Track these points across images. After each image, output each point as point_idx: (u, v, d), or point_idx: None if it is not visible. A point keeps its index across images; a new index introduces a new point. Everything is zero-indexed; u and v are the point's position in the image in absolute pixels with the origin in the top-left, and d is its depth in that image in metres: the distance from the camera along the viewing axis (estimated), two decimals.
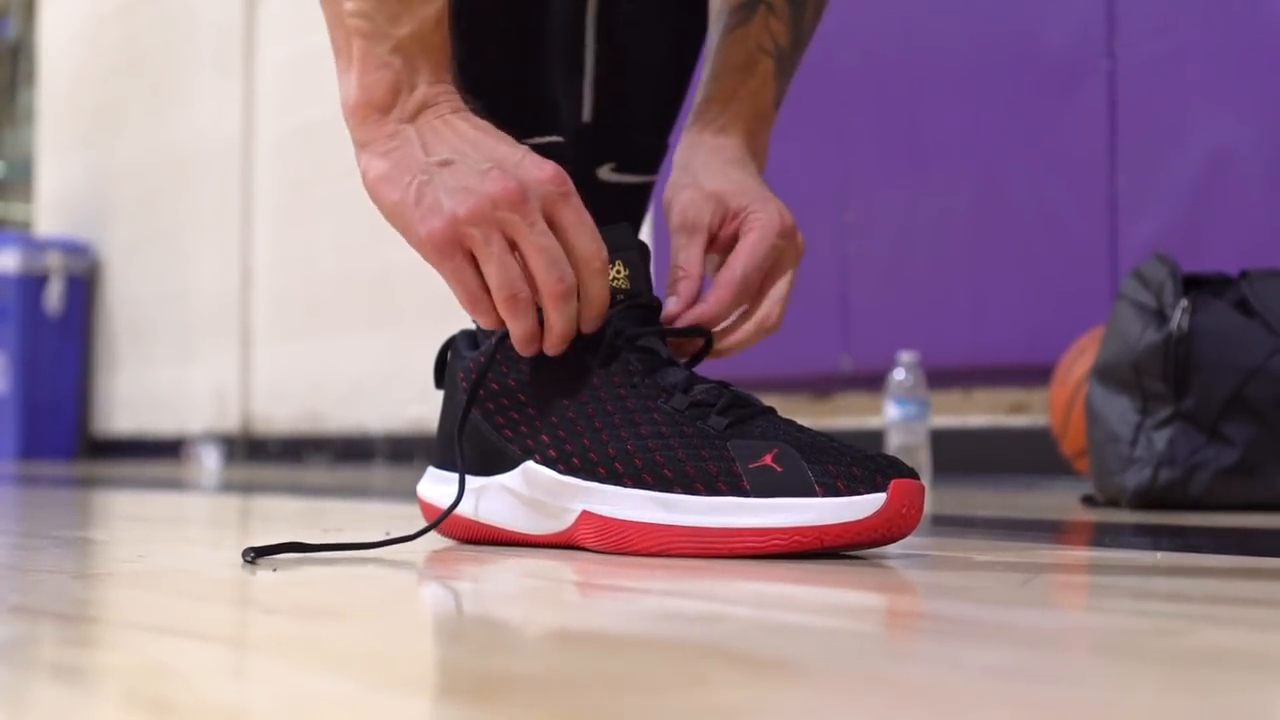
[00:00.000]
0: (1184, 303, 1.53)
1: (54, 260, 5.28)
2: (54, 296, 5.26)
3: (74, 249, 5.38)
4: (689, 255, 0.99)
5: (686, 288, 0.99)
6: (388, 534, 1.06)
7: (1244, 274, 1.58)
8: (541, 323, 0.90)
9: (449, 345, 1.03)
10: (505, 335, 0.95)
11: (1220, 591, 0.73)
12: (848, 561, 0.86)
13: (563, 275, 0.87)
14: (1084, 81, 2.35)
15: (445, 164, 0.87)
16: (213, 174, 4.86)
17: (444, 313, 1.15)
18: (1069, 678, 0.49)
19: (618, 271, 0.94)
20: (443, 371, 1.03)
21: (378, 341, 4.08)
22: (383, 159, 0.88)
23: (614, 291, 0.93)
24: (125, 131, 5.39)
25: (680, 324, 0.97)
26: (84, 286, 5.38)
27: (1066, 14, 2.40)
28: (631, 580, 0.80)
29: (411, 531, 0.96)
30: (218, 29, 4.86)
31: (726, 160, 1.02)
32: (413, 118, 0.88)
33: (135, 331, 5.28)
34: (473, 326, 1.04)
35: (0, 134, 8.01)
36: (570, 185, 0.88)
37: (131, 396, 5.29)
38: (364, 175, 0.89)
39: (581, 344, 0.93)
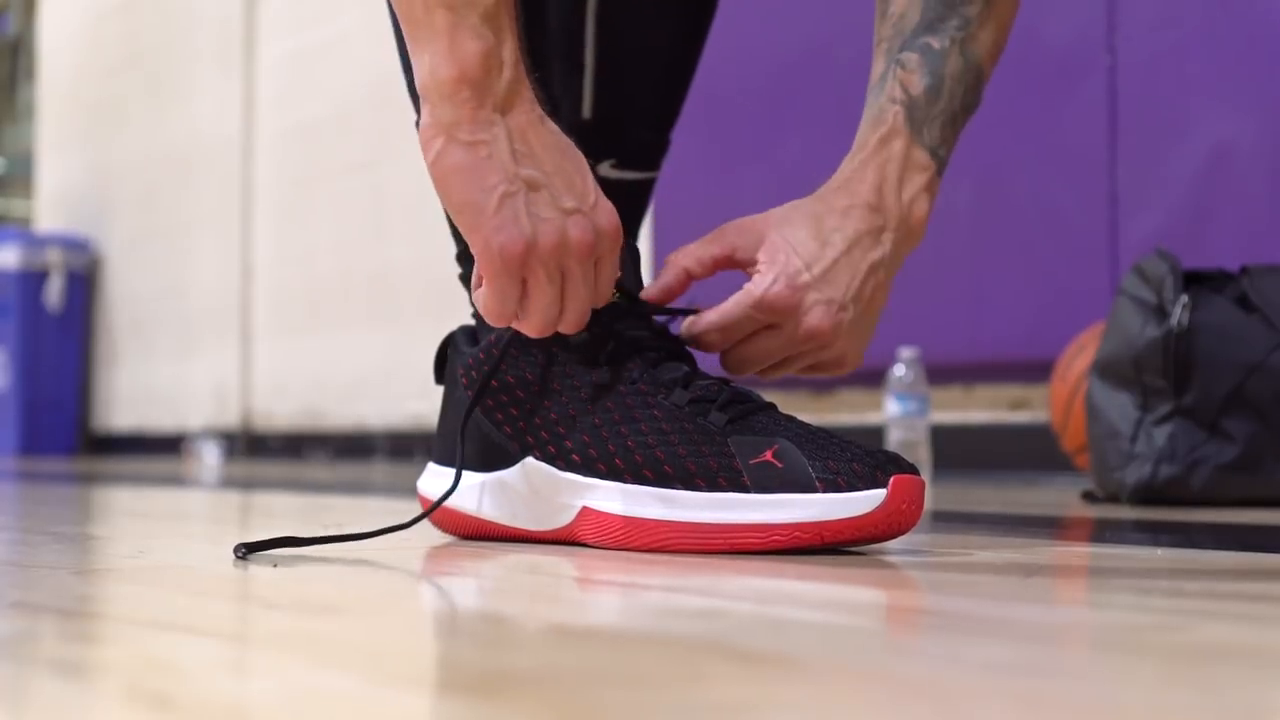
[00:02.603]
0: (1184, 298, 1.53)
1: (54, 256, 5.28)
2: (54, 292, 5.26)
3: (74, 245, 5.38)
4: (691, 250, 0.98)
5: (666, 275, 0.97)
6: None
7: (1244, 269, 1.58)
8: None
9: (449, 341, 1.03)
10: (512, 334, 0.95)
11: (1220, 587, 0.73)
12: (848, 557, 0.86)
13: (583, 320, 0.89)
14: (1084, 77, 2.35)
15: (532, 185, 0.85)
16: (213, 170, 4.86)
17: (444, 309, 1.15)
18: (1069, 673, 0.49)
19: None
20: (443, 368, 1.03)
21: (378, 337, 4.08)
22: (467, 150, 0.85)
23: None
24: (126, 127, 5.39)
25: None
26: (84, 282, 5.38)
27: (1067, 10, 2.40)
28: (632, 576, 0.80)
29: (410, 528, 0.96)
30: (218, 25, 4.85)
31: (807, 211, 0.97)
32: (505, 108, 0.85)
33: (135, 327, 5.28)
34: (472, 323, 1.04)
35: (0, 130, 8.00)
36: (622, 237, 0.89)
37: (132, 392, 5.29)
38: (437, 158, 0.86)
39: (579, 342, 0.93)
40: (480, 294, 0.88)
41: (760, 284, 0.94)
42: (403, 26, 0.88)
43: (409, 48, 0.88)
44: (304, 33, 4.41)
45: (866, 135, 1.00)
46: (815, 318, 0.94)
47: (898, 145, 0.99)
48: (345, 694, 0.46)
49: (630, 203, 1.07)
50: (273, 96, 4.60)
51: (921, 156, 1.00)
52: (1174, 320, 1.52)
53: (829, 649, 0.54)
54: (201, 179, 4.93)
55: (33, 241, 5.39)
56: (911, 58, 1.01)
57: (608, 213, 0.87)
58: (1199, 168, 2.20)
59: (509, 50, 0.86)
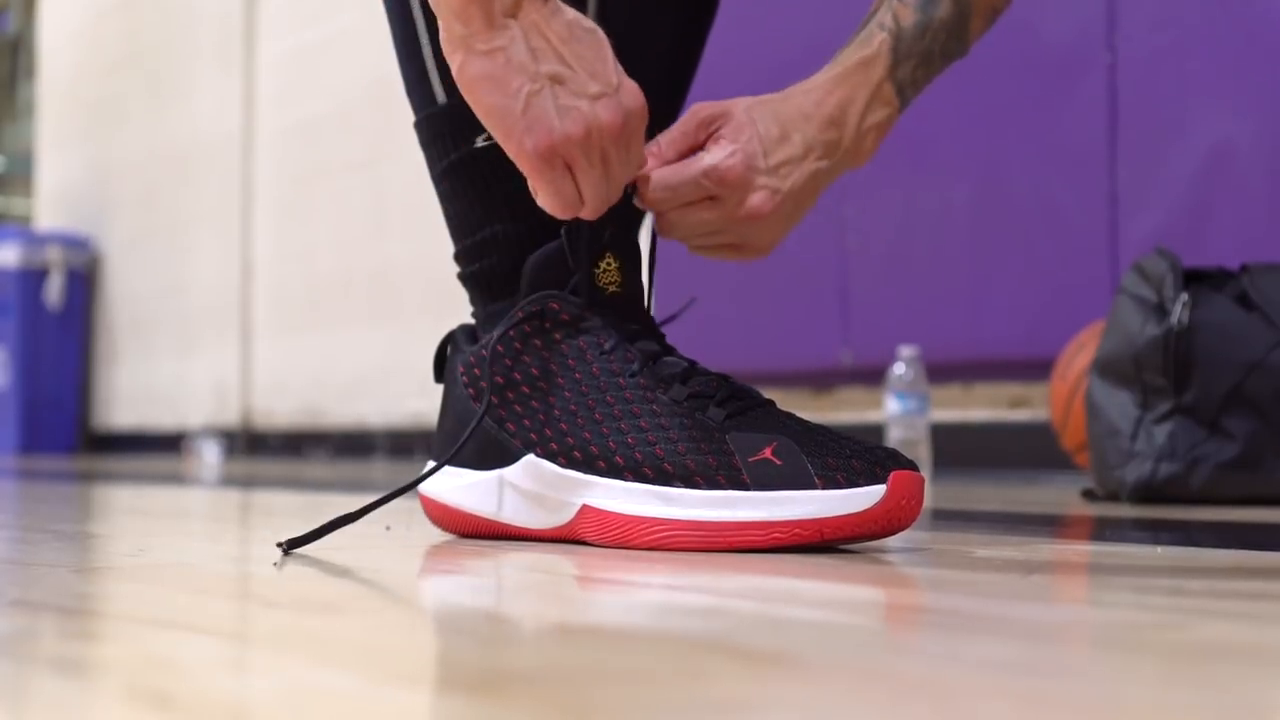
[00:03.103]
0: (1184, 297, 1.53)
1: (54, 255, 5.28)
2: (54, 291, 5.26)
3: (74, 243, 5.38)
4: (668, 133, 0.99)
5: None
6: (388, 528, 1.06)
7: (1244, 268, 1.58)
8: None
9: (449, 340, 1.03)
10: (505, 331, 0.95)
11: (1220, 586, 0.73)
12: (848, 555, 0.86)
13: (615, 197, 0.91)
14: (1084, 75, 2.35)
15: (556, 79, 0.87)
16: (213, 168, 4.86)
17: (444, 307, 1.15)
18: (1069, 671, 0.49)
19: (609, 264, 0.94)
20: (442, 366, 1.03)
21: (378, 336, 4.08)
22: (485, 59, 0.86)
23: (603, 279, 0.94)
24: (125, 126, 5.39)
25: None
26: (84, 281, 5.38)
27: (1067, 8, 2.40)
28: (632, 574, 0.80)
29: (410, 525, 0.96)
30: (218, 23, 4.85)
31: (776, 105, 1.00)
32: (514, 10, 0.87)
33: (135, 326, 5.28)
34: (472, 321, 1.04)
35: (0, 128, 8.00)
36: (647, 114, 0.90)
37: (132, 391, 5.29)
38: (459, 71, 0.87)
39: (577, 339, 0.93)
40: (539, 196, 0.90)
41: (718, 154, 0.97)
42: None
43: None
44: (304, 30, 4.41)
45: (851, 52, 1.03)
46: (758, 199, 0.98)
47: (875, 73, 1.03)
48: (345, 692, 0.46)
49: (629, 200, 1.07)
50: (273, 94, 4.60)
51: (889, 92, 1.04)
52: (1174, 318, 1.52)
53: (829, 647, 0.54)
54: (201, 177, 4.93)
55: (33, 240, 5.39)
56: None
57: (632, 92, 0.89)
58: (1199, 166, 2.20)
59: None
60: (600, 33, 0.89)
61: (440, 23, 0.88)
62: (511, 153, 0.88)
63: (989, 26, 1.11)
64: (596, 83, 0.88)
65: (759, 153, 0.98)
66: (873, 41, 1.03)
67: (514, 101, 0.86)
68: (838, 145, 1.02)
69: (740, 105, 1.00)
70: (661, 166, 0.97)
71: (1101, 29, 2.33)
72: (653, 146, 0.98)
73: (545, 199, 0.90)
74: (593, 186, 0.89)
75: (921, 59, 1.05)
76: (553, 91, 0.87)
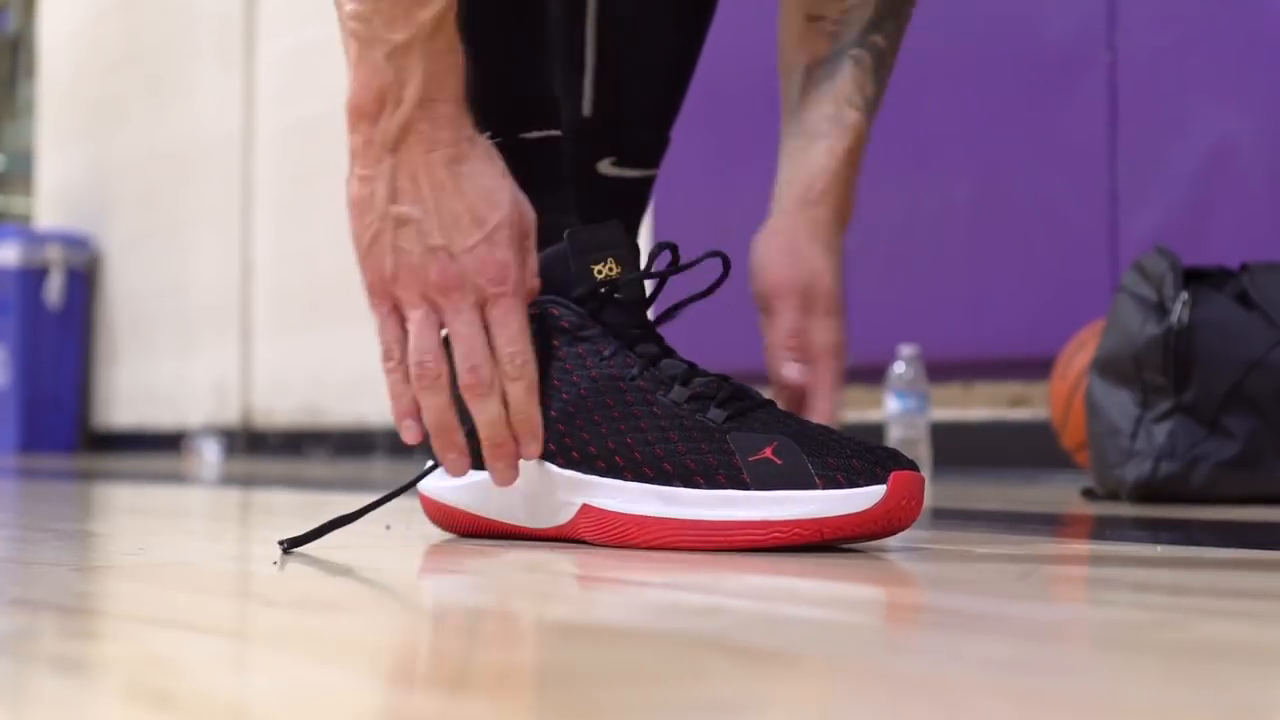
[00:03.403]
0: (1184, 295, 1.53)
1: (54, 253, 5.28)
2: (54, 290, 5.26)
3: (74, 242, 5.37)
4: (776, 329, 1.03)
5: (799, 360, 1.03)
6: (388, 527, 1.06)
7: (1244, 267, 1.58)
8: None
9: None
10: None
11: (1220, 584, 0.73)
12: (848, 554, 0.86)
13: (476, 367, 0.88)
14: (1084, 74, 2.35)
15: (402, 221, 0.87)
16: (213, 167, 4.86)
17: None
18: (1069, 670, 0.49)
19: (610, 266, 0.94)
20: None
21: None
22: (358, 184, 0.88)
23: (603, 282, 0.94)
24: (125, 125, 5.39)
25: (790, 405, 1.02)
26: (84, 280, 5.38)
27: (1067, 6, 2.40)
28: (632, 573, 0.80)
29: (410, 524, 0.96)
30: (218, 22, 4.85)
31: (824, 241, 1.05)
32: (395, 145, 0.87)
33: (135, 325, 5.28)
34: None
35: (0, 127, 8.00)
36: (510, 284, 0.87)
37: (132, 390, 5.29)
38: (346, 185, 0.90)
39: (576, 345, 0.93)
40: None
41: (840, 342, 1.04)
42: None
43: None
44: (304, 29, 4.41)
45: (835, 142, 1.05)
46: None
47: (859, 157, 1.06)
48: (345, 691, 0.46)
49: (630, 200, 1.08)
50: (273, 93, 4.60)
51: (862, 161, 1.08)
52: (1174, 317, 1.52)
53: (829, 646, 0.54)
54: (201, 176, 4.93)
55: (33, 239, 5.39)
56: (865, 56, 1.05)
57: (486, 254, 0.87)
58: (1199, 164, 2.20)
59: (412, 89, 0.86)
60: (491, 199, 0.87)
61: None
62: (363, 285, 0.90)
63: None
64: (442, 236, 0.86)
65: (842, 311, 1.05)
66: (850, 126, 1.05)
67: (364, 234, 0.88)
68: (845, 227, 1.09)
69: (814, 260, 1.03)
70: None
71: (1101, 27, 2.33)
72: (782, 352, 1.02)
73: (380, 343, 0.90)
74: (414, 340, 0.87)
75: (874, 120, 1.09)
76: (394, 233, 0.87)
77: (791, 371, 1.01)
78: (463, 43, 0.91)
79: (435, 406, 0.89)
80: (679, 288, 0.99)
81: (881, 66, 1.06)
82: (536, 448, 0.91)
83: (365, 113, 0.87)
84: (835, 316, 1.03)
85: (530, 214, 0.90)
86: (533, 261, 0.91)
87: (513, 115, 0.98)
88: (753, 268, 1.05)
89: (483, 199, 0.88)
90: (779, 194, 1.06)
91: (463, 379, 0.89)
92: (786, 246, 1.03)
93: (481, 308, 0.88)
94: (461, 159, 0.88)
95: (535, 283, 0.91)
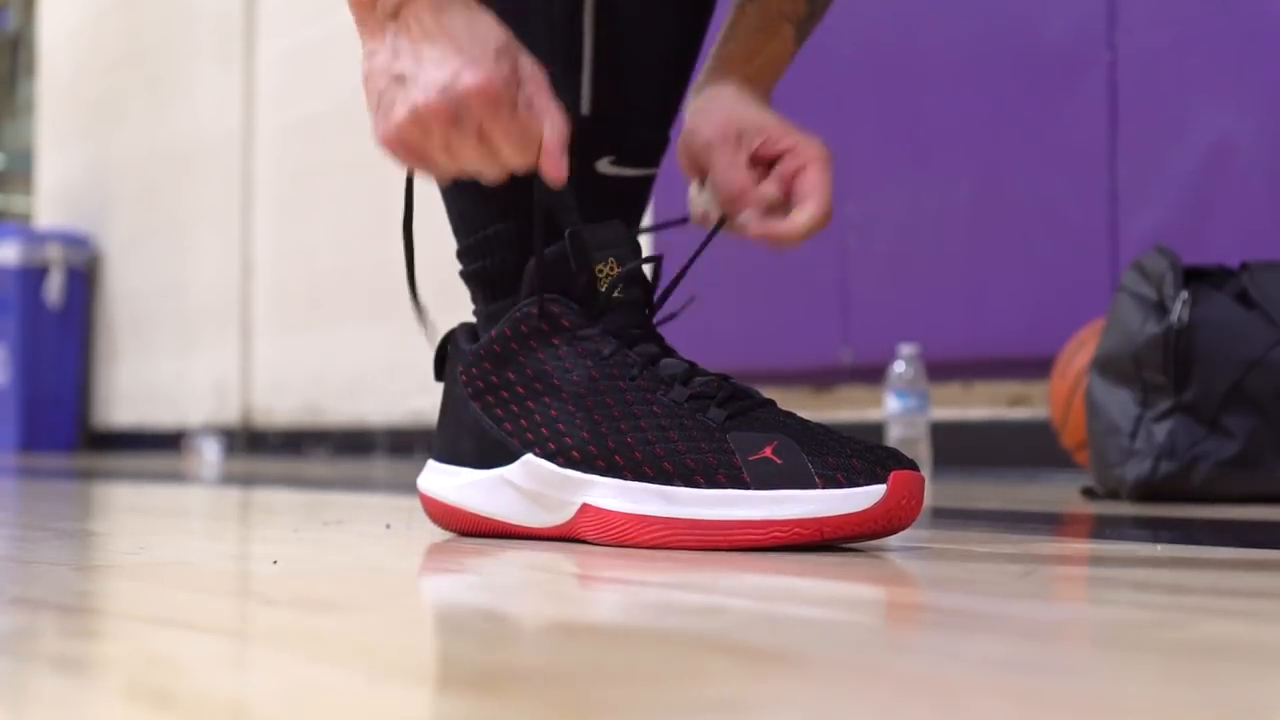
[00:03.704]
0: (1184, 295, 1.53)
1: (54, 252, 5.28)
2: (54, 289, 5.26)
3: (74, 241, 5.37)
4: (735, 166, 1.02)
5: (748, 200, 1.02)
6: (388, 526, 1.06)
7: (1244, 266, 1.58)
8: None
9: (449, 338, 1.03)
10: (504, 331, 0.95)
11: (1220, 583, 0.73)
12: (848, 553, 0.86)
13: (522, 150, 0.90)
14: (1084, 73, 2.35)
15: (400, 79, 0.90)
16: (213, 166, 4.86)
17: (444, 305, 1.15)
18: (1069, 669, 0.49)
19: (611, 266, 0.94)
20: (443, 364, 1.03)
21: (378, 334, 4.08)
22: (367, 60, 0.92)
23: (604, 280, 0.94)
24: (125, 124, 5.39)
25: (757, 233, 1.01)
26: (84, 279, 5.38)
27: (1067, 5, 2.39)
28: (632, 573, 0.80)
29: (410, 523, 0.96)
30: (218, 20, 4.85)
31: (756, 101, 1.05)
32: (395, 12, 0.90)
33: (135, 324, 5.28)
34: (473, 320, 1.04)
35: (0, 126, 8.00)
36: (499, 93, 0.88)
37: (132, 389, 5.29)
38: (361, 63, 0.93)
39: (576, 344, 0.93)
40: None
41: (821, 149, 1.02)
42: None
43: None
44: (304, 28, 4.41)
45: (758, 42, 1.09)
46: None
47: (782, 62, 1.10)
48: (344, 690, 0.46)
49: (630, 199, 1.08)
50: (273, 92, 4.60)
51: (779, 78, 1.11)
52: (1174, 316, 1.52)
53: (829, 645, 0.54)
54: (202, 175, 4.93)
55: (33, 238, 5.39)
56: None
57: (474, 75, 0.88)
58: (1199, 164, 2.20)
59: None
60: (482, 22, 0.90)
61: None
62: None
63: None
64: (436, 72, 0.89)
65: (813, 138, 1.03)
66: (778, 32, 1.09)
67: (374, 101, 0.91)
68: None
69: (746, 111, 1.03)
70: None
71: (1101, 26, 2.33)
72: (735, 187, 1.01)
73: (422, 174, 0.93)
74: (442, 166, 0.91)
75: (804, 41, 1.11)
76: (394, 90, 0.90)
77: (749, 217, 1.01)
78: None
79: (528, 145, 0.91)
80: (679, 289, 0.99)
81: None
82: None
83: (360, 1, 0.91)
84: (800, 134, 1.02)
85: (519, 47, 0.91)
86: (535, 90, 0.91)
87: None
88: (683, 137, 1.06)
89: (467, 36, 0.90)
90: (699, 83, 1.08)
91: (513, 162, 0.91)
92: (721, 105, 1.04)
93: (484, 132, 0.89)
94: (444, 8, 0.90)
95: (545, 104, 0.91)
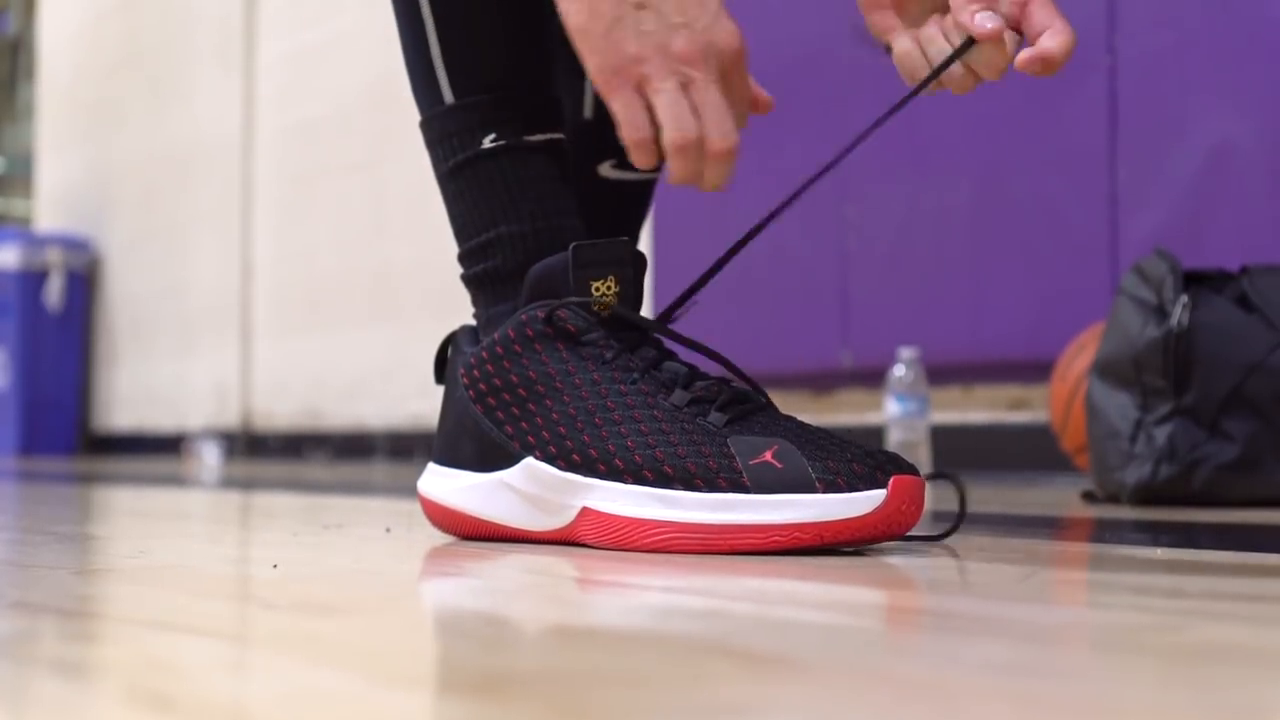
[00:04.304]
0: (1184, 298, 1.53)
1: (54, 256, 5.28)
2: (54, 292, 5.26)
3: (74, 244, 5.38)
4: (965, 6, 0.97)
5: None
6: (388, 529, 1.06)
7: (1244, 269, 1.58)
8: None
9: (449, 341, 1.03)
10: (506, 334, 0.95)
11: (1220, 587, 0.73)
12: (847, 557, 0.86)
13: (727, 132, 0.91)
14: (1085, 76, 2.35)
15: (641, 5, 0.89)
16: (213, 169, 4.86)
17: (444, 308, 1.15)
18: (1069, 673, 0.49)
19: (608, 287, 0.94)
20: (443, 367, 1.03)
21: (378, 337, 4.08)
22: None
23: (597, 300, 0.93)
24: (125, 127, 5.39)
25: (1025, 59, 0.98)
26: (84, 282, 5.38)
27: (1067, 8, 2.38)
28: (632, 576, 0.80)
29: (410, 526, 0.95)
30: (218, 24, 4.86)
31: None
32: None
33: (135, 327, 5.28)
34: (473, 323, 1.04)
35: (0, 129, 8.00)
36: (745, 55, 0.91)
37: (131, 392, 5.29)
38: None
39: (579, 348, 0.93)
40: (618, 127, 0.91)
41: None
42: None
43: None
44: (304, 31, 4.41)
45: None
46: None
47: None
48: (344, 694, 0.46)
49: (631, 203, 1.08)
50: (273, 95, 4.60)
51: None
52: (1174, 320, 1.52)
53: (829, 649, 0.54)
54: (201, 178, 4.93)
55: (32, 241, 5.39)
56: None
57: (726, 29, 0.90)
58: (1199, 167, 2.20)
59: None
60: None
61: None
62: (590, 74, 0.91)
63: None
64: (680, 14, 0.89)
65: None
66: None
67: (598, 23, 0.89)
68: None
69: None
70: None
71: (1102, 30, 2.33)
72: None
73: (621, 125, 0.91)
74: (669, 108, 0.90)
75: None
76: (636, 17, 0.89)
77: (985, 20, 0.97)
78: (463, 44, 0.91)
79: (694, 172, 0.91)
80: (678, 289, 0.99)
81: None
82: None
83: None
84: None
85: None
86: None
87: (515, 118, 0.98)
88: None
89: None
90: None
91: (716, 144, 0.90)
92: None
93: (725, 86, 0.90)
94: None
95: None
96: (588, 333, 0.94)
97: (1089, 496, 1.65)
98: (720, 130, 0.90)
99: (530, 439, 0.94)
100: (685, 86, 0.90)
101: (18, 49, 7.39)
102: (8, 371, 5.24)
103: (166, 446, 4.93)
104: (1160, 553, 0.95)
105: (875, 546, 0.91)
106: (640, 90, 0.90)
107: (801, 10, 2.70)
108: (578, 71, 1.05)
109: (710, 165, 0.91)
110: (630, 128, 0.90)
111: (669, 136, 0.90)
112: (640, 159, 0.92)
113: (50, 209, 5.92)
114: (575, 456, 0.92)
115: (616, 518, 0.90)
